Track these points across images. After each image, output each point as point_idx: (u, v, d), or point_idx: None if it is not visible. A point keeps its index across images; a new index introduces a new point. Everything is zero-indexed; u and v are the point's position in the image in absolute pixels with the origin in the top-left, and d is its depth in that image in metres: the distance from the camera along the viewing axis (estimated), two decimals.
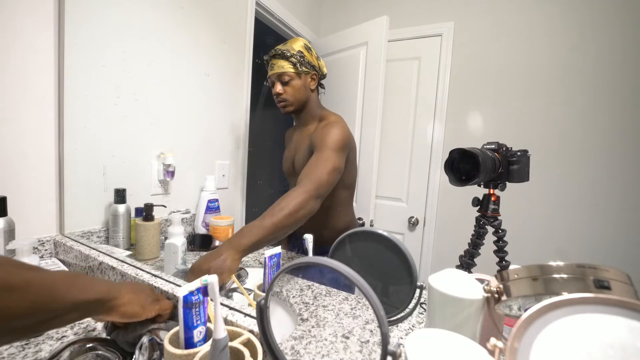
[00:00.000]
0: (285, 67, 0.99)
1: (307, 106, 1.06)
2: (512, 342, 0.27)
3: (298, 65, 0.99)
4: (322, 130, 0.98)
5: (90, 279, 0.42)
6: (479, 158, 0.69)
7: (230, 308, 0.54)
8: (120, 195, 0.89)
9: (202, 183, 1.16)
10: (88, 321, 0.62)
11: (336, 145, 0.92)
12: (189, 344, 0.44)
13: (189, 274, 0.65)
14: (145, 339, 0.47)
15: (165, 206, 1.00)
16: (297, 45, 1.01)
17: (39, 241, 0.80)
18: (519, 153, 0.77)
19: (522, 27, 1.55)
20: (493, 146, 0.79)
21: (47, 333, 0.57)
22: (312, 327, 0.55)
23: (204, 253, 1.00)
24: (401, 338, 0.56)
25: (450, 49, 1.70)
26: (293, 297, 0.66)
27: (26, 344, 0.54)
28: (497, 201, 0.79)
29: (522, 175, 0.77)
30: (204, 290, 0.45)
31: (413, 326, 0.60)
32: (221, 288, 0.64)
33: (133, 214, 0.92)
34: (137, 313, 0.46)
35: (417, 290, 0.56)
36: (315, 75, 1.05)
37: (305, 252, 0.74)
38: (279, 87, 1.01)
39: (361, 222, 1.56)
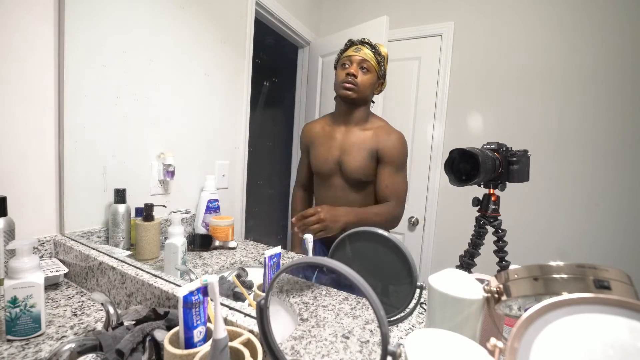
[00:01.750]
0: (372, 59, 1.01)
1: (363, 106, 1.07)
2: (512, 342, 0.27)
3: (381, 65, 1.03)
4: (389, 140, 1.03)
5: None
6: (479, 158, 0.69)
7: (230, 308, 0.54)
8: (120, 195, 0.89)
9: (202, 183, 1.16)
10: (88, 321, 0.62)
11: (405, 162, 1.06)
12: (189, 344, 0.44)
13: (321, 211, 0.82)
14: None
15: (165, 206, 1.00)
16: (384, 50, 1.05)
17: (39, 241, 0.80)
18: (519, 153, 0.77)
19: (522, 27, 1.55)
20: (493, 146, 0.79)
21: (47, 333, 0.57)
22: (312, 327, 0.55)
23: (204, 253, 1.00)
24: (401, 338, 0.56)
25: (450, 49, 1.70)
26: (293, 297, 0.66)
27: (26, 344, 0.54)
28: (497, 201, 0.79)
29: (522, 175, 0.77)
30: (204, 290, 0.45)
31: (413, 326, 0.60)
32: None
33: (133, 214, 0.92)
34: None
35: (417, 290, 0.56)
36: (381, 85, 1.09)
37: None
38: (356, 68, 1.00)
39: None
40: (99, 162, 0.89)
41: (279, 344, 0.42)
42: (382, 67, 1.04)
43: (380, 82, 1.08)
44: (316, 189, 1.17)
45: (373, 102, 1.12)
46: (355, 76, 0.99)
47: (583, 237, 1.43)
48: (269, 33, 1.79)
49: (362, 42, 1.03)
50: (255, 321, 0.49)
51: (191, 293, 0.44)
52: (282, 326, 0.62)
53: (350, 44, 1.05)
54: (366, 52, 1.01)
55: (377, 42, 1.05)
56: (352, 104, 1.04)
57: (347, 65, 1.02)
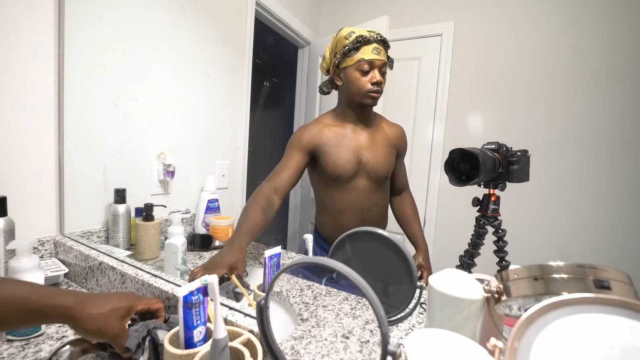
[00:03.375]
0: (385, 58, 0.93)
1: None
2: (512, 342, 0.27)
3: (390, 60, 0.96)
4: (400, 132, 1.08)
5: (57, 290, 0.44)
6: (479, 158, 0.69)
7: (230, 308, 0.54)
8: (120, 195, 0.89)
9: (202, 183, 1.16)
10: None
11: None
12: (189, 344, 0.44)
13: None
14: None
15: (165, 206, 1.00)
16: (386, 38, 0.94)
17: (39, 241, 0.80)
18: (519, 153, 0.77)
19: (522, 26, 1.55)
20: (493, 146, 0.79)
21: (47, 333, 0.57)
22: (312, 327, 0.55)
23: (204, 253, 1.00)
24: (401, 338, 0.56)
25: (450, 49, 1.70)
26: (293, 297, 0.66)
27: (26, 344, 0.54)
28: (497, 201, 0.79)
29: (522, 175, 0.77)
30: (204, 290, 0.45)
31: (413, 326, 0.60)
32: None
33: (133, 214, 0.92)
34: (98, 330, 0.42)
35: (417, 290, 0.56)
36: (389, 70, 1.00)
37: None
38: (379, 75, 0.92)
39: None
40: (99, 162, 0.89)
41: (279, 344, 0.42)
42: (391, 59, 0.96)
43: None
44: (330, 197, 1.03)
45: None
46: (382, 83, 0.93)
47: (583, 237, 1.43)
48: (269, 33, 1.79)
49: (379, 41, 0.91)
50: (255, 321, 0.49)
51: (191, 293, 0.44)
52: (282, 326, 0.62)
53: (365, 41, 0.90)
54: (384, 53, 0.93)
55: (375, 30, 0.94)
56: (369, 106, 0.99)
57: (367, 70, 0.92)
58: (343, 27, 0.95)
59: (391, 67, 0.98)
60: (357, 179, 1.00)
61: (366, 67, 0.91)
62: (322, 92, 1.07)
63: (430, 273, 1.00)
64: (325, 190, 1.04)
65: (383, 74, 0.94)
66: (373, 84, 0.91)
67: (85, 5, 0.84)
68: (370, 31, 0.91)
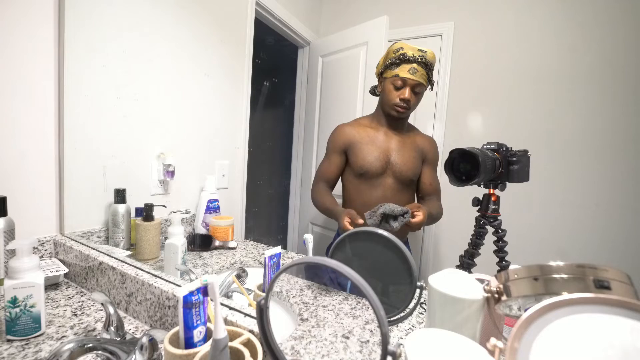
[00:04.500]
0: (424, 80, 0.98)
1: (408, 116, 1.09)
2: (512, 342, 0.27)
3: (431, 80, 1.02)
4: (430, 142, 1.13)
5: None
6: (479, 158, 0.69)
7: (230, 308, 0.54)
8: (120, 195, 0.89)
9: (202, 183, 1.16)
10: (88, 321, 0.62)
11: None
12: (189, 344, 0.44)
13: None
14: (145, 339, 0.47)
15: (165, 206, 1.00)
16: (433, 58, 1.00)
17: (39, 241, 0.80)
18: (519, 153, 0.77)
19: (522, 27, 1.55)
20: (493, 146, 0.79)
21: (46, 333, 0.57)
22: (312, 327, 0.55)
23: (204, 253, 1.00)
24: (401, 338, 0.56)
25: (450, 49, 1.70)
26: (293, 297, 0.66)
27: (26, 344, 0.54)
28: (497, 201, 0.79)
29: (522, 175, 0.77)
30: (204, 290, 0.45)
31: (413, 326, 0.60)
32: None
33: (133, 214, 0.92)
34: None
35: (417, 290, 0.56)
36: (428, 89, 1.05)
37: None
38: (409, 93, 0.98)
39: None
40: (99, 162, 0.89)
41: (279, 344, 0.42)
42: (432, 80, 1.02)
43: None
44: (358, 191, 1.10)
45: None
46: (409, 100, 0.99)
47: (583, 237, 1.43)
48: (269, 33, 1.79)
49: (419, 62, 0.96)
50: (255, 321, 0.49)
51: (191, 293, 0.44)
52: (282, 326, 0.62)
53: (405, 60, 0.96)
54: (423, 75, 0.97)
55: (427, 50, 0.98)
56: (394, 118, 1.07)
57: (400, 86, 0.99)
58: (398, 42, 1.01)
59: (431, 89, 1.05)
60: (384, 177, 1.07)
61: (399, 83, 0.99)
62: (372, 93, 1.15)
63: (424, 214, 0.84)
64: (353, 184, 1.11)
65: (416, 93, 1.00)
66: (401, 99, 0.99)
67: (85, 5, 0.84)
68: (421, 50, 0.98)
